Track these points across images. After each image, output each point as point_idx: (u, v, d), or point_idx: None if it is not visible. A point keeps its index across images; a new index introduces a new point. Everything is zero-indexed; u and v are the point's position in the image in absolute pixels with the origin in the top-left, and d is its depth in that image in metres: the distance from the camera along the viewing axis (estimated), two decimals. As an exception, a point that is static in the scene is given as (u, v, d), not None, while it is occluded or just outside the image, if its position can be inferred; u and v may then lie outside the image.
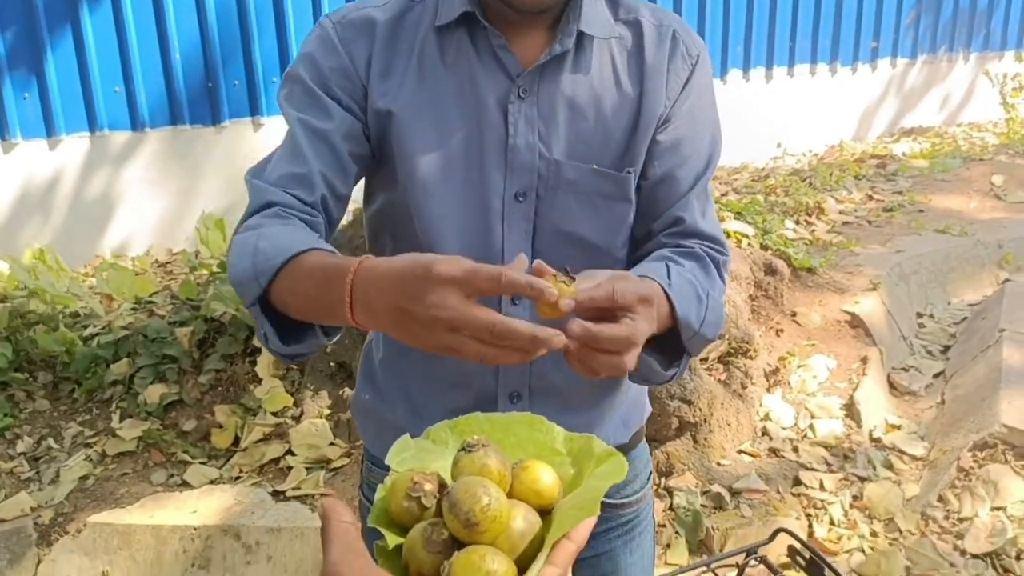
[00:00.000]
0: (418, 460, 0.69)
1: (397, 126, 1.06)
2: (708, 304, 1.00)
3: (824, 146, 6.51)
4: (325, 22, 1.09)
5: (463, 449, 0.63)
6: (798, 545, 1.13)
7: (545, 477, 0.63)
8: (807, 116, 6.28)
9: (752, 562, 1.13)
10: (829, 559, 1.09)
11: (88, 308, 3.48)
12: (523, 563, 0.59)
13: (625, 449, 1.21)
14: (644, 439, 1.28)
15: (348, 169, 1.08)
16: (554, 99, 1.06)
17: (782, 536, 1.15)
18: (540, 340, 0.74)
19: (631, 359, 0.81)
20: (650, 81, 1.09)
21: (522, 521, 0.60)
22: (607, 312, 0.82)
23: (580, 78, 1.08)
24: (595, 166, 1.07)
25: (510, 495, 0.62)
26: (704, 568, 1.13)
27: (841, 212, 4.73)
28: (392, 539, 0.61)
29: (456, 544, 0.58)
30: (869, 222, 4.60)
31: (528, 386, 1.13)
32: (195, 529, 2.43)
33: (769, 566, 1.12)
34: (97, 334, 3.22)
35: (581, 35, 1.07)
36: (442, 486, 0.61)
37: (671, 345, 1.00)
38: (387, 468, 1.22)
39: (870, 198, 5.01)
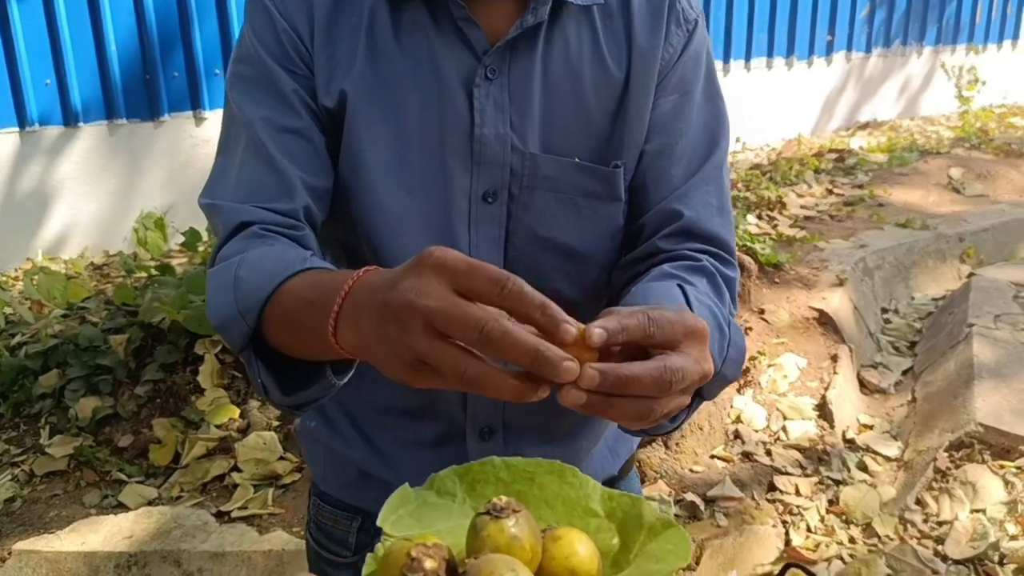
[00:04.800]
0: (418, 520, 0.54)
1: (348, 111, 0.89)
2: (730, 337, 0.82)
3: (781, 140, 6.47)
4: None
5: (487, 513, 0.48)
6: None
7: (582, 550, 0.49)
8: (765, 110, 6.22)
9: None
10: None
11: (16, 315, 3.24)
12: None
13: (614, 481, 1.06)
14: (635, 467, 1.13)
15: (325, 162, 0.91)
16: (527, 80, 0.90)
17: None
18: (546, 360, 0.54)
19: (665, 405, 0.61)
20: (639, 57, 0.93)
21: None
22: (637, 352, 0.62)
23: (557, 55, 0.91)
24: (576, 159, 0.91)
25: (538, 573, 0.47)
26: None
27: (802, 206, 4.67)
28: None
29: None
30: (831, 216, 4.54)
31: (502, 421, 0.97)
32: (131, 556, 2.23)
33: (776, 605, 0.99)
34: (25, 343, 2.99)
35: (558, 3, 0.90)
36: (449, 565, 0.46)
37: None
38: (339, 506, 1.06)
39: (830, 192, 4.96)
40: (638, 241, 0.95)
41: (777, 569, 2.44)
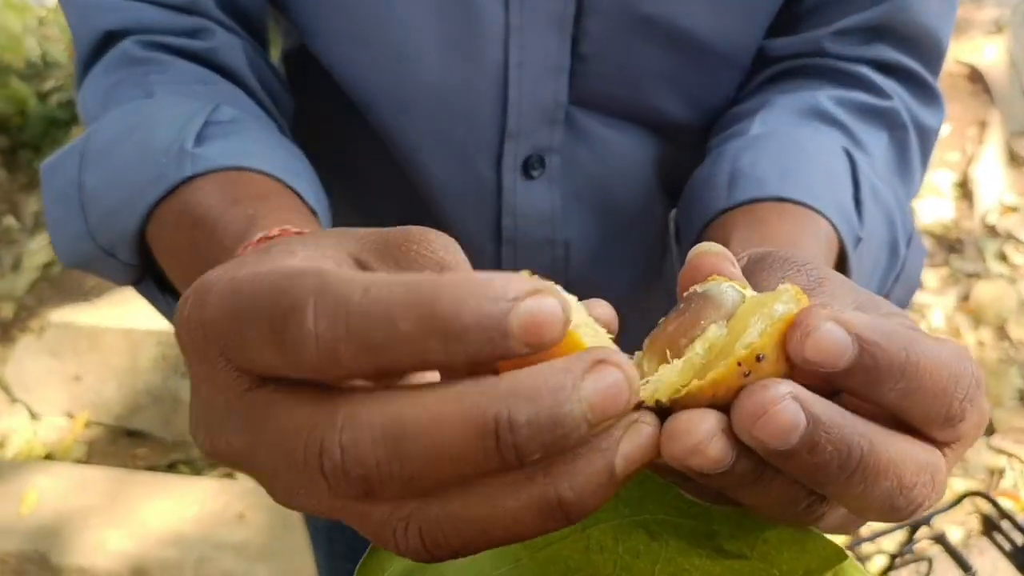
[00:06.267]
0: None
1: None
2: (904, 264, 0.50)
3: None
4: None
5: None
6: (994, 514, 0.68)
7: None
8: None
9: (921, 538, 0.69)
10: None
11: (50, 56, 2.95)
12: None
13: None
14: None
15: None
16: None
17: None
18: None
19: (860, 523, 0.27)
20: None
21: None
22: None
23: None
24: None
25: None
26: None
27: (957, -70, 3.88)
28: None
29: None
30: (991, -58, 3.76)
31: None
32: (173, 334, 2.07)
33: (948, 548, 0.68)
34: (57, 89, 2.72)
35: None
36: None
37: None
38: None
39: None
40: (786, 24, 0.53)
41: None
